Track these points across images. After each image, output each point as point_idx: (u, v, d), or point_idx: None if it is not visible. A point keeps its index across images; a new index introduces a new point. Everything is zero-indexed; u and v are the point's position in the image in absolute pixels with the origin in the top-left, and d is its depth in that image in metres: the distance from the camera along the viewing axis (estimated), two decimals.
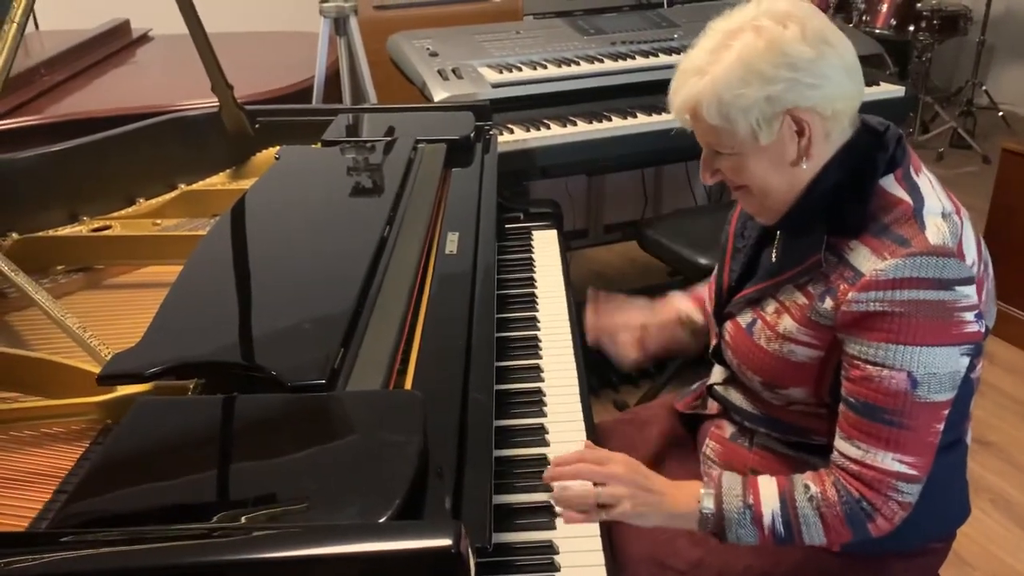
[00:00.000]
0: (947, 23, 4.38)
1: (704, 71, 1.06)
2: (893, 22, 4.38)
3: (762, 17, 1.06)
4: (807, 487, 1.11)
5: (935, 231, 1.05)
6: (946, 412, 1.07)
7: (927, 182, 1.12)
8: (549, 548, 1.05)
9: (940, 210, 1.08)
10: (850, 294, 1.06)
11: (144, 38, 3.22)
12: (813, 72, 1.03)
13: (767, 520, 1.10)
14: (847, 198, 1.10)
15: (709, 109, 1.06)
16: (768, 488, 1.11)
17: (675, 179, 3.27)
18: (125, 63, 2.98)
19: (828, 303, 1.09)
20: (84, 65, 2.81)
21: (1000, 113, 4.88)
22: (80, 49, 2.85)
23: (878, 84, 2.65)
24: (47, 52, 2.75)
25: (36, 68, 2.61)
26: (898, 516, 1.09)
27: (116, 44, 3.06)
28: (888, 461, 1.06)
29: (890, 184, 1.10)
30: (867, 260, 1.06)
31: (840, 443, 1.11)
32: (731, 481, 1.13)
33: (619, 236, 3.31)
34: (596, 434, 1.31)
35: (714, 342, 1.32)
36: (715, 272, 1.35)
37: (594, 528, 1.09)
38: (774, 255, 1.21)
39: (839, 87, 1.06)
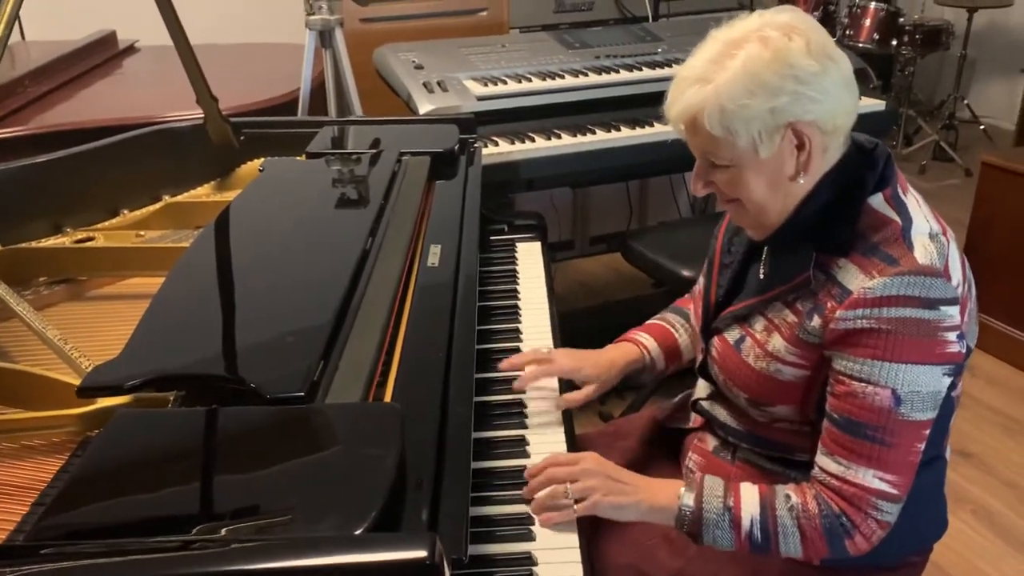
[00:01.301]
0: (929, 37, 4.44)
1: (707, 79, 1.05)
2: (876, 36, 4.42)
3: (766, 28, 1.05)
4: (788, 497, 1.11)
5: (923, 251, 1.06)
6: (927, 432, 1.08)
7: (914, 202, 1.13)
8: (528, 560, 1.06)
9: (928, 231, 1.09)
10: (838, 312, 1.06)
11: (130, 49, 3.22)
12: (817, 86, 1.04)
13: (745, 525, 1.11)
14: (836, 216, 1.10)
15: (711, 118, 1.05)
16: (749, 494, 1.12)
17: (660, 191, 3.29)
18: (111, 74, 2.98)
19: (816, 321, 1.10)
20: (70, 76, 2.80)
21: (982, 127, 4.94)
22: (66, 60, 2.85)
23: (859, 98, 2.68)
24: (33, 62, 2.74)
25: (21, 79, 2.61)
26: (876, 536, 1.09)
27: (102, 55, 3.06)
28: (869, 478, 1.07)
29: (879, 203, 1.10)
30: (855, 278, 1.07)
31: (821, 458, 1.11)
32: (713, 482, 1.14)
33: (604, 248, 3.33)
34: (577, 445, 1.31)
35: (700, 358, 1.32)
36: (701, 287, 1.35)
37: (573, 539, 1.10)
38: (762, 271, 1.22)
39: (840, 102, 1.06)
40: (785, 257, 1.16)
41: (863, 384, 1.06)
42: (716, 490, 1.13)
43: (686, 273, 2.29)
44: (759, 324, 1.18)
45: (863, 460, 1.07)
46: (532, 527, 1.11)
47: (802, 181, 1.09)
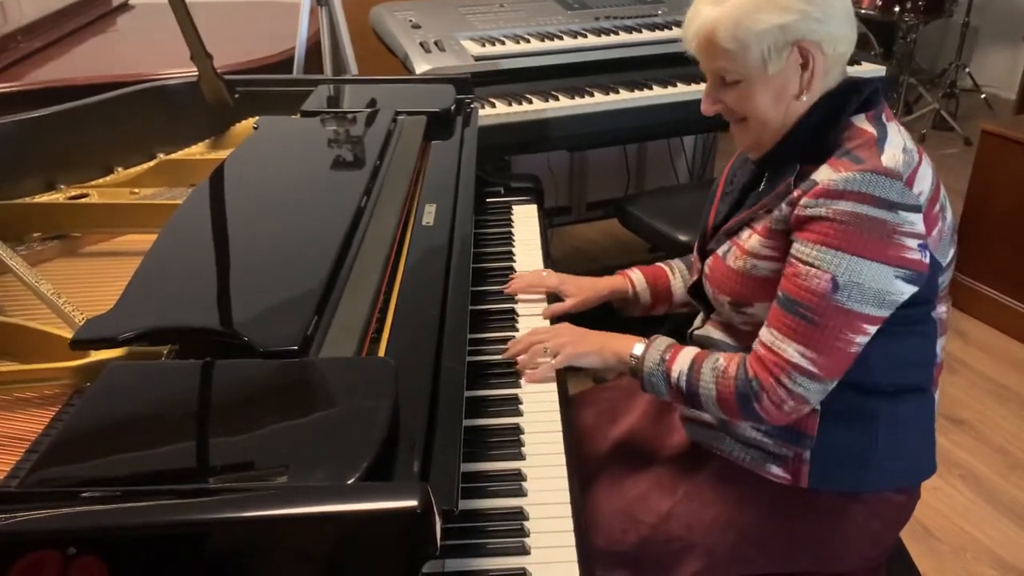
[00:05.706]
0: (932, 5, 4.38)
1: (722, 1, 1.14)
2: (879, 3, 4.38)
3: None
4: (717, 359, 1.22)
5: (890, 157, 1.13)
6: (868, 327, 1.13)
7: (895, 127, 1.19)
8: (520, 514, 1.07)
9: (901, 145, 1.16)
10: (803, 199, 1.13)
11: (124, 6, 3.19)
12: (823, 7, 1.13)
13: (674, 376, 1.24)
14: (821, 134, 1.18)
15: (725, 32, 1.13)
16: (686, 353, 1.26)
17: (658, 157, 3.27)
18: (105, 31, 2.94)
19: (785, 209, 1.17)
20: (63, 32, 2.77)
21: (983, 96, 4.91)
22: (59, 16, 2.82)
23: (860, 64, 2.66)
24: (25, 18, 2.71)
25: (13, 34, 2.58)
26: (787, 405, 1.16)
27: (96, 12, 3.03)
28: (790, 351, 1.14)
29: (860, 120, 1.18)
30: (824, 173, 1.14)
31: (761, 330, 1.19)
32: (662, 340, 1.29)
33: (601, 214, 3.32)
34: (572, 404, 1.33)
35: (694, 278, 1.39)
36: (704, 216, 1.41)
37: (564, 494, 1.11)
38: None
39: (840, 27, 1.15)
40: (777, 176, 1.23)
41: (807, 267, 1.13)
42: (660, 346, 1.27)
43: (683, 238, 2.29)
44: (744, 233, 1.26)
45: (790, 333, 1.14)
46: (523, 483, 1.12)
47: (804, 99, 1.17)
